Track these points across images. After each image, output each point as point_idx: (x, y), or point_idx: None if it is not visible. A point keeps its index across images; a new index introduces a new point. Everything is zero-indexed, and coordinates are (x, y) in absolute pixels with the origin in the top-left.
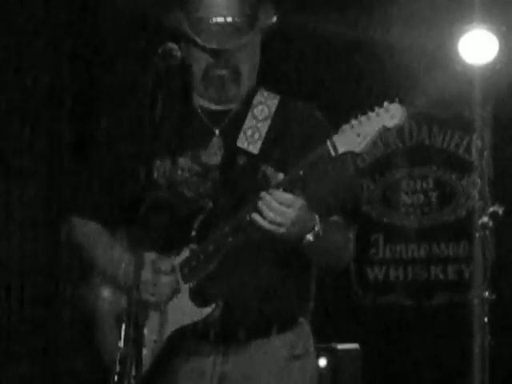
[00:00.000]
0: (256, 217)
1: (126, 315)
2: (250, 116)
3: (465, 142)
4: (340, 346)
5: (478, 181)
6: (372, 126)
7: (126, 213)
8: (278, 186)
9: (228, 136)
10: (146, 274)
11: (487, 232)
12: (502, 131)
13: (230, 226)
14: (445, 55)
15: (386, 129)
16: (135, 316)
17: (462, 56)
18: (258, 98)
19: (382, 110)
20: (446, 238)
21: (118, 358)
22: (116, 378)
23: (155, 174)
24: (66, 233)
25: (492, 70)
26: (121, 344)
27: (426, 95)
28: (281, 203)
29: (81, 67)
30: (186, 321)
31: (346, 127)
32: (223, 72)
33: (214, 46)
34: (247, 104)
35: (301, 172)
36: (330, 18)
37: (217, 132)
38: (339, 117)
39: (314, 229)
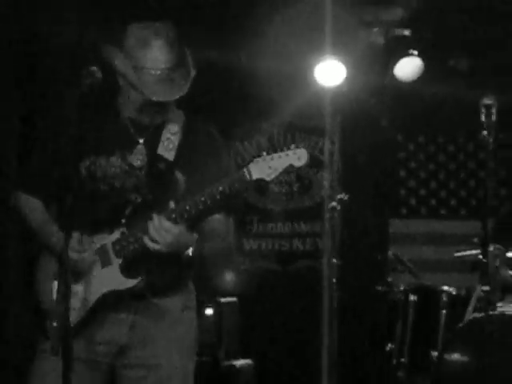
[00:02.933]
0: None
1: (59, 275)
2: (165, 130)
3: (319, 145)
4: (223, 300)
5: (328, 175)
6: (282, 162)
7: (59, 193)
8: (169, 214)
9: (150, 145)
10: (73, 248)
11: (335, 214)
12: (348, 137)
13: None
14: (304, 79)
15: (292, 166)
16: (65, 275)
17: (317, 80)
18: (170, 114)
19: (291, 152)
20: (305, 218)
21: (53, 305)
22: (51, 321)
23: (93, 168)
24: (13, 203)
25: (340, 91)
26: (54, 295)
27: (291, 110)
28: (160, 227)
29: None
30: (114, 287)
31: (259, 159)
32: (156, 108)
33: (158, 98)
34: (164, 121)
35: (220, 188)
36: (216, 47)
37: (141, 141)
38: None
39: (192, 247)
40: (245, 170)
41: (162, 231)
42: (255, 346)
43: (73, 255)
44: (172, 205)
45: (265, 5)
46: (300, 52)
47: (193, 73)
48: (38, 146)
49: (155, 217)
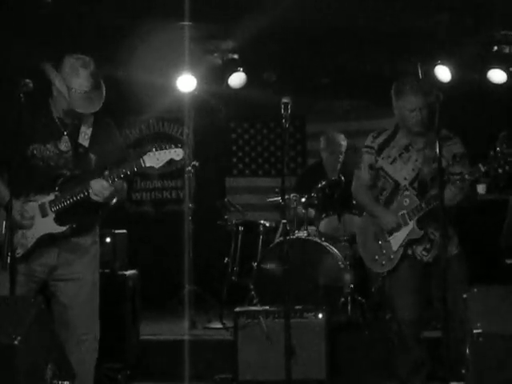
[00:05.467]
0: (90, 190)
1: (7, 219)
2: (82, 126)
3: (180, 130)
4: (117, 231)
5: (186, 150)
6: (165, 156)
7: (9, 167)
8: (105, 177)
9: (72, 136)
10: (16, 209)
11: (191, 175)
12: (198, 125)
13: (79, 188)
14: (169, 87)
15: (172, 159)
16: (11, 221)
17: (178, 87)
18: (85, 116)
19: (172, 150)
20: (171, 178)
21: (3, 238)
22: (2, 250)
23: (35, 152)
24: None
25: (193, 95)
26: (3, 231)
27: (161, 107)
28: (102, 186)
29: None
30: (50, 231)
31: (151, 153)
32: (75, 114)
33: (80, 111)
34: (80, 119)
35: (124, 170)
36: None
37: (65, 133)
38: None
39: (115, 198)
40: (141, 159)
41: (102, 188)
42: (138, 261)
43: (16, 217)
44: (106, 172)
45: (139, 35)
46: (166, 69)
47: (104, 94)
48: None
49: (95, 180)
